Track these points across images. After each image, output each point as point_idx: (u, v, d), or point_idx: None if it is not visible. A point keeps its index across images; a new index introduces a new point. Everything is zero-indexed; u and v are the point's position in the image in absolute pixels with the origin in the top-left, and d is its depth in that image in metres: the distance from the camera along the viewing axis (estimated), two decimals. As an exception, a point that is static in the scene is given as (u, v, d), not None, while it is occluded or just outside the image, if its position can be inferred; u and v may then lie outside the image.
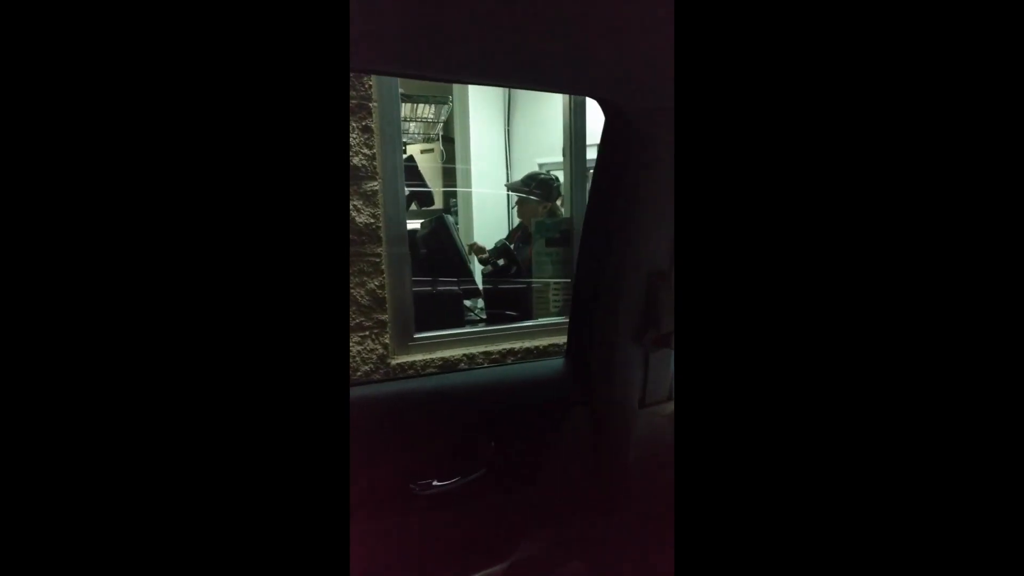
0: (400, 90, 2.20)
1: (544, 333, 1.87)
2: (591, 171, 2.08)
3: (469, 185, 3.35)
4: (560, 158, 1.96)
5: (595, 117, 1.88)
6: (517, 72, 0.72)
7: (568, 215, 1.92)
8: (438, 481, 0.88)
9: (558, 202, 2.14)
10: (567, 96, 1.86)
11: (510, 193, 2.20)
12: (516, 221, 2.77)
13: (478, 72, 0.75)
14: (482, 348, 1.74)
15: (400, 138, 1.58)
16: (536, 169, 3.22)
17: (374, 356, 1.57)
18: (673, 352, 1.05)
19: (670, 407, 1.08)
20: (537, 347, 1.80)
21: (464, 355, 1.69)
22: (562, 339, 1.83)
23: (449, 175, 3.34)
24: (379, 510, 0.83)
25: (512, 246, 2.15)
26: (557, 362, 1.07)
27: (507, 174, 3.67)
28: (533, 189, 2.14)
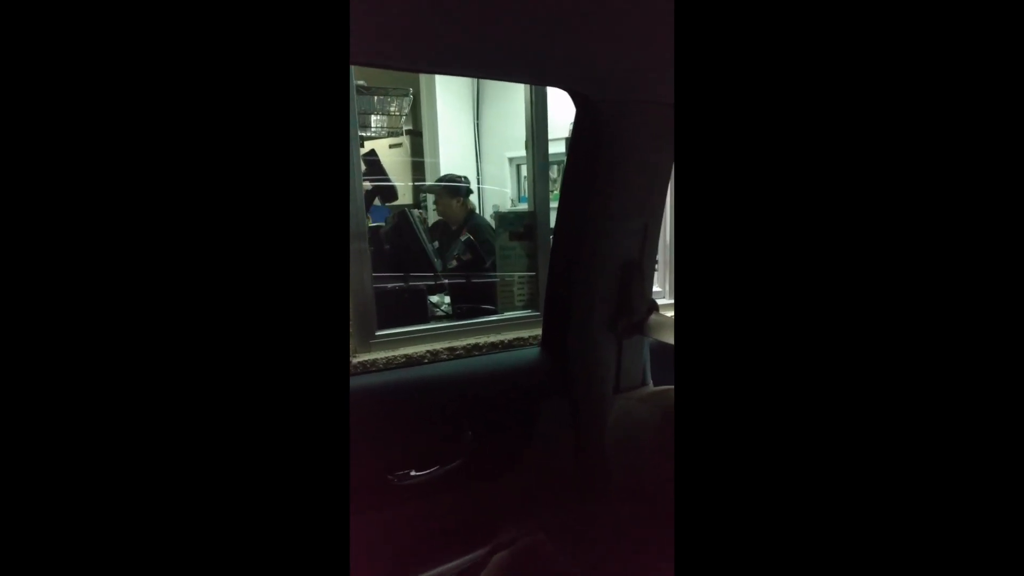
0: (359, 82, 2.16)
1: (509, 327, 1.87)
2: (554, 164, 2.07)
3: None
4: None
5: (558, 110, 1.89)
6: (487, 63, 0.71)
7: (531, 209, 1.91)
8: (416, 471, 0.88)
9: (471, 197, 2.39)
10: (530, 88, 1.85)
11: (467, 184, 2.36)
12: (484, 213, 2.85)
13: (448, 63, 0.74)
14: (446, 344, 1.72)
15: (356, 131, 1.55)
16: (505, 161, 3.27)
17: (334, 354, 1.54)
18: (646, 339, 1.07)
19: (643, 392, 1.10)
20: (502, 341, 1.79)
21: (428, 351, 1.67)
22: (526, 333, 1.83)
23: (419, 169, 3.31)
24: (358, 501, 0.82)
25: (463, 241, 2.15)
26: (533, 351, 1.08)
27: (477, 168, 3.65)
28: (446, 186, 2.34)
